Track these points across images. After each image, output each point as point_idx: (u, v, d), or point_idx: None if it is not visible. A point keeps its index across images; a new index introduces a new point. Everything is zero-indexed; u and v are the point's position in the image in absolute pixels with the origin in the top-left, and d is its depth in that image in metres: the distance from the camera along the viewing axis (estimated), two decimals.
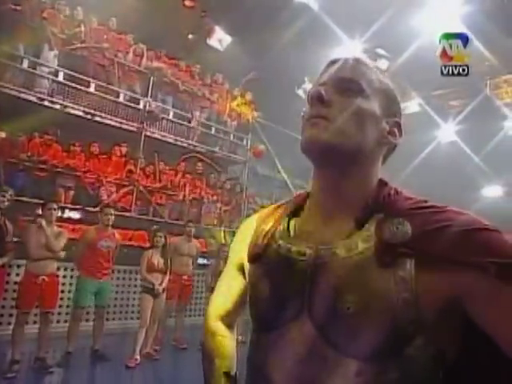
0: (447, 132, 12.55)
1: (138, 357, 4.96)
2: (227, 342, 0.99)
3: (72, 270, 5.82)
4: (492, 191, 12.49)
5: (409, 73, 10.04)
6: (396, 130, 0.79)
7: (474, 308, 0.61)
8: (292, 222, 0.82)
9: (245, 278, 0.87)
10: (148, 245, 5.72)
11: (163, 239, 5.35)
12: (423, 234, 0.63)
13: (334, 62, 0.80)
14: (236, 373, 0.95)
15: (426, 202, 0.71)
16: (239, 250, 0.90)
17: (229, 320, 1.00)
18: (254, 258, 0.82)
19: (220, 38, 10.68)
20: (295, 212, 0.83)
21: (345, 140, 0.71)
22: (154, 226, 5.83)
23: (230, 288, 0.95)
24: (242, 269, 0.88)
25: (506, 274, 0.58)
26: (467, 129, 11.48)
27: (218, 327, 0.99)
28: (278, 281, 0.75)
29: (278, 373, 0.72)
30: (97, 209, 6.41)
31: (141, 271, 5.25)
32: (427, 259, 0.62)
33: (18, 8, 6.77)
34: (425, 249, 0.62)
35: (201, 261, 7.57)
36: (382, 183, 0.77)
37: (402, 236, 0.64)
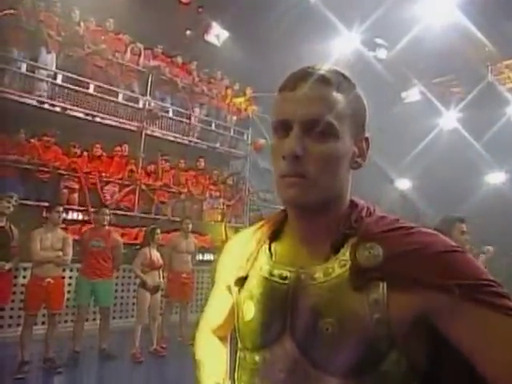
0: (449, 119, 12.46)
1: (140, 350, 5.03)
2: (218, 352, 1.03)
3: (78, 270, 5.84)
4: (494, 178, 12.39)
5: (409, 61, 9.99)
6: (364, 147, 0.78)
7: (442, 325, 0.65)
8: (273, 245, 0.84)
9: (232, 296, 0.90)
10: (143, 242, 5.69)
11: (160, 236, 5.45)
12: (393, 258, 0.67)
13: (296, 79, 0.73)
14: (227, 382, 0.97)
15: (398, 221, 0.74)
16: (225, 271, 0.92)
17: (220, 333, 1.04)
18: (238, 280, 0.85)
19: (217, 34, 10.64)
20: (276, 233, 0.85)
21: (324, 193, 0.72)
22: (152, 225, 5.82)
23: (220, 304, 0.98)
24: (229, 288, 0.91)
25: (468, 294, 0.61)
26: (469, 115, 11.38)
27: (210, 338, 1.04)
28: (262, 303, 0.78)
29: None
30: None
31: (134, 268, 5.27)
32: (398, 282, 0.66)
33: (14, 12, 6.75)
34: (395, 272, 0.66)
35: (207, 257, 7.60)
36: (354, 204, 0.78)
37: (373, 260, 0.68)
